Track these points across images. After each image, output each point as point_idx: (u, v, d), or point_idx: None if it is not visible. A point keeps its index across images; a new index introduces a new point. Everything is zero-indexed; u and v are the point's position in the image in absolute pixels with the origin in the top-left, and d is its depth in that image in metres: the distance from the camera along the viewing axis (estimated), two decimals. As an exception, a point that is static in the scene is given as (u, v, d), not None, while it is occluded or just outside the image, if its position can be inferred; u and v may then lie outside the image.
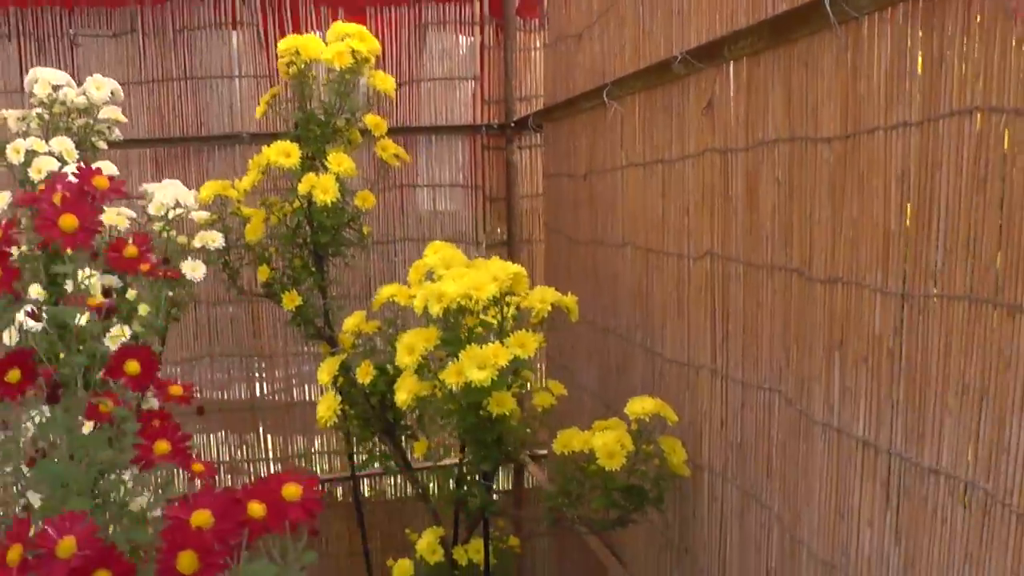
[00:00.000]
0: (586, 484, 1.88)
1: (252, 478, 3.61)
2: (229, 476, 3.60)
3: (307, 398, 3.60)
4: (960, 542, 1.13)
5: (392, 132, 3.36)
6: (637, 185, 2.22)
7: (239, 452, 3.60)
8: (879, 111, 1.27)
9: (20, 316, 1.40)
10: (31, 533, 0.82)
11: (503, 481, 3.59)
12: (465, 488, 2.24)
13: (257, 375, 3.55)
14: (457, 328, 1.85)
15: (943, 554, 1.17)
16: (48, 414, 1.12)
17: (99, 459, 1.06)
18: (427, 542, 2.27)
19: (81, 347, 2.23)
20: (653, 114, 2.10)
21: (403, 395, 1.92)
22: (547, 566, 3.60)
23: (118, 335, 2.26)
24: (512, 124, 3.35)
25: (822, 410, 1.44)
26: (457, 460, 2.30)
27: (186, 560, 0.80)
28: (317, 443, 3.68)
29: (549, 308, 1.92)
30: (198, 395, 3.48)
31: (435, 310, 1.79)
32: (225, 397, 3.57)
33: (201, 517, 0.83)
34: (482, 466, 2.00)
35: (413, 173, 3.44)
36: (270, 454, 3.63)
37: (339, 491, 3.66)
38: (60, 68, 2.47)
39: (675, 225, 2.00)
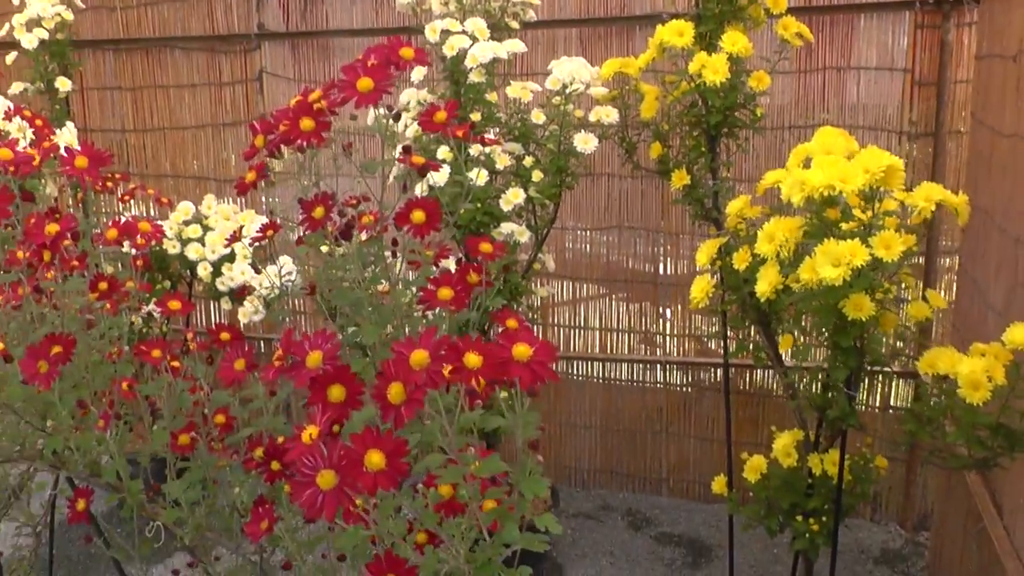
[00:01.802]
0: (947, 414, 1.70)
1: (648, 350, 3.75)
2: (626, 345, 3.78)
3: (709, 279, 3.61)
4: None
5: (814, 11, 3.15)
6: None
7: (641, 324, 3.75)
8: None
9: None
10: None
11: (877, 395, 3.35)
12: (828, 395, 2.15)
13: (661, 251, 3.64)
14: (820, 220, 1.74)
15: None
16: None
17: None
18: (783, 444, 2.22)
19: (479, 204, 2.44)
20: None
21: (763, 285, 1.86)
22: (913, 497, 3.33)
23: (513, 197, 2.43)
24: (950, -2, 2.96)
25: None
26: (825, 363, 2.20)
27: (395, 391, 0.90)
28: (715, 324, 3.70)
29: (933, 208, 1.72)
30: (606, 266, 3.71)
31: (796, 199, 1.69)
32: (632, 270, 3.70)
33: (418, 356, 0.91)
34: (835, 373, 1.89)
35: (836, 54, 3.20)
36: (668, 328, 3.73)
37: (716, 374, 3.67)
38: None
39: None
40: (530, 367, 0.89)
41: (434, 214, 1.21)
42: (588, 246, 3.72)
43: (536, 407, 1.01)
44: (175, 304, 1.46)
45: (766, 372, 3.53)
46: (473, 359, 0.89)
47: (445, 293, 1.14)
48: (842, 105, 3.32)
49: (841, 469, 2.14)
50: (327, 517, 0.90)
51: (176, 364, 1.40)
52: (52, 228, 1.45)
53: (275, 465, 1.27)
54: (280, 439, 1.27)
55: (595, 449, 3.88)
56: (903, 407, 3.24)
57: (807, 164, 1.91)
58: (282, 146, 1.26)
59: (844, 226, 1.74)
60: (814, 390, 2.22)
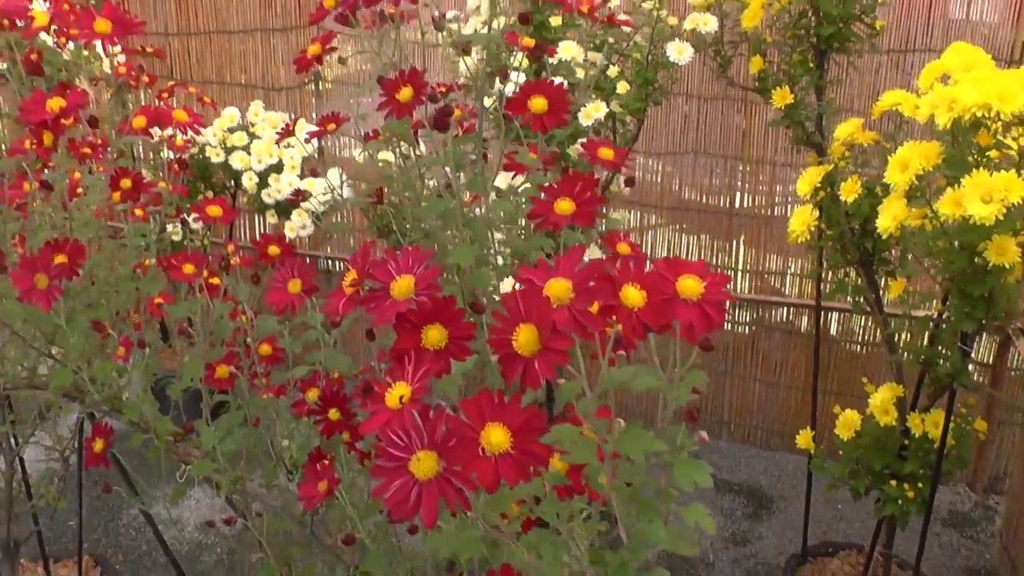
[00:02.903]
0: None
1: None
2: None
3: (787, 214, 3.35)
4: None
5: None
6: None
7: (711, 258, 3.50)
8: None
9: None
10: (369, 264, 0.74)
11: (984, 351, 3.08)
12: (938, 348, 1.91)
13: (740, 182, 3.37)
14: (966, 147, 1.48)
15: None
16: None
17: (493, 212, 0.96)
18: (881, 400, 1.99)
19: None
20: None
21: (887, 220, 1.61)
22: (986, 458, 3.10)
23: (594, 111, 2.20)
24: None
25: None
26: (935, 312, 1.95)
27: (525, 336, 0.65)
28: (792, 264, 3.45)
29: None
30: (679, 194, 3.45)
31: (942, 120, 1.43)
32: (705, 201, 3.45)
33: (558, 288, 0.65)
34: (962, 325, 1.65)
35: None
36: (741, 264, 3.48)
37: (804, 320, 3.43)
38: None
39: None
40: (702, 308, 0.65)
41: (559, 102, 0.95)
42: (659, 172, 3.45)
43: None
44: (215, 210, 1.24)
45: (862, 318, 3.27)
46: (634, 295, 0.65)
47: (565, 206, 0.90)
48: (947, 27, 3.00)
49: (945, 431, 1.91)
50: (425, 521, 0.65)
51: (215, 281, 1.20)
52: (55, 103, 1.17)
53: (334, 413, 1.06)
54: (336, 376, 1.07)
55: (654, 388, 3.68)
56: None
57: (944, 82, 1.65)
58: (357, 10, 1.01)
59: (993, 155, 1.49)
60: (920, 342, 1.98)
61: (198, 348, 1.16)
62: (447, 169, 0.96)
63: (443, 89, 0.97)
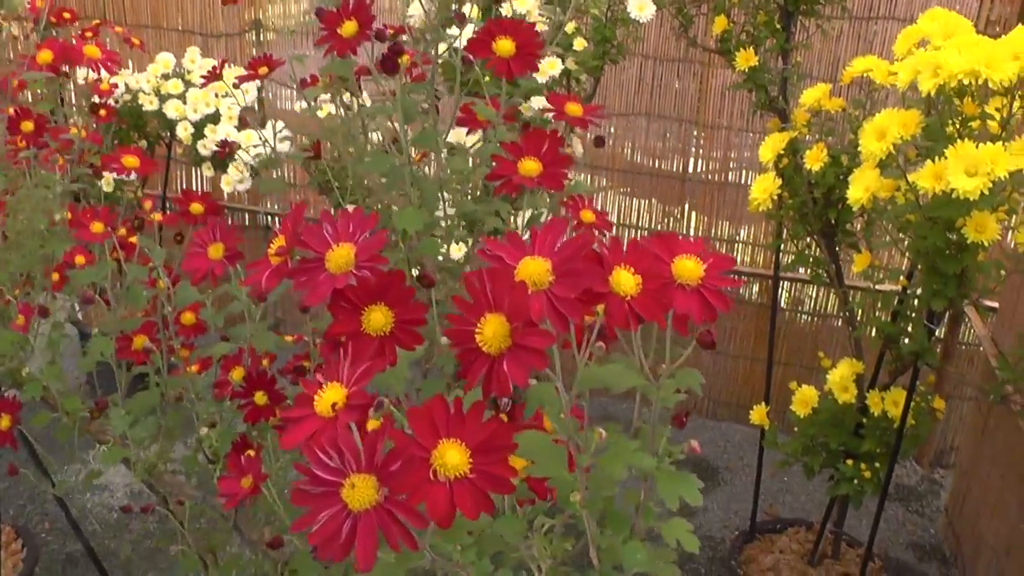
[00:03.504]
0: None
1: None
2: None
3: (741, 180, 3.28)
4: None
5: None
6: None
7: (661, 224, 3.42)
8: None
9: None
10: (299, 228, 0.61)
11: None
12: (902, 325, 1.85)
13: (693, 147, 3.28)
14: (947, 116, 1.40)
15: None
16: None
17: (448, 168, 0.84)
18: (841, 376, 1.93)
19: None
20: None
21: (858, 191, 1.53)
22: (967, 442, 3.08)
23: (548, 68, 2.08)
24: None
25: None
26: (899, 287, 1.89)
27: (492, 329, 0.52)
28: (743, 232, 3.38)
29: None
30: (630, 157, 3.35)
31: (926, 86, 1.35)
32: (657, 166, 3.36)
33: (535, 268, 0.53)
34: (932, 303, 1.58)
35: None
36: (692, 232, 3.40)
37: (755, 289, 3.37)
38: None
39: None
40: (701, 295, 0.55)
41: (529, 44, 0.83)
42: (612, 134, 3.35)
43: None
44: (131, 160, 1.09)
45: (818, 289, 3.21)
46: (626, 280, 0.53)
47: (530, 166, 0.78)
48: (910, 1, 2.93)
49: (906, 411, 1.86)
50: (360, 563, 0.51)
51: (134, 241, 1.06)
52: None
53: (260, 397, 0.94)
54: (265, 359, 0.95)
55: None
56: (973, 343, 2.94)
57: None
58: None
59: (974, 125, 1.41)
60: (884, 318, 1.92)
61: (110, 317, 1.03)
62: (394, 122, 0.83)
63: (392, 30, 0.84)
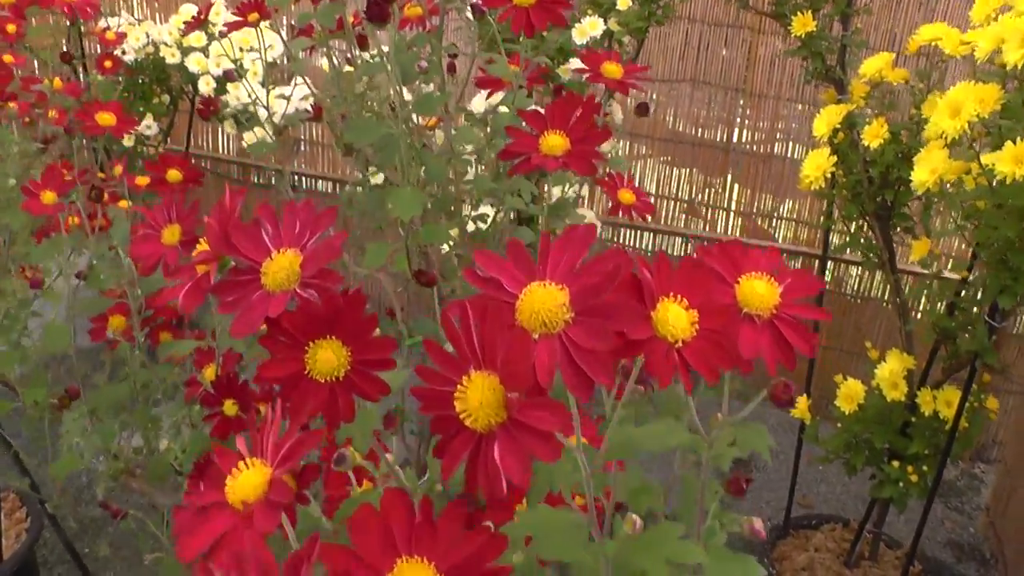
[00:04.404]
0: None
1: (708, 226, 3.28)
2: (683, 217, 3.30)
3: (787, 154, 3.11)
4: None
5: None
6: None
7: (701, 195, 3.26)
8: None
9: None
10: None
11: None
12: (960, 320, 1.70)
13: (739, 117, 3.11)
14: (1030, 93, 1.24)
15: None
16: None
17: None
18: (890, 371, 1.78)
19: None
20: None
21: (924, 173, 1.38)
22: (1013, 439, 2.92)
23: (590, 28, 1.94)
24: None
25: None
26: (960, 277, 1.74)
27: (478, 394, 0.36)
28: (786, 207, 3.22)
29: None
30: (672, 125, 3.18)
31: (1013, 57, 1.19)
32: (700, 134, 3.19)
33: (542, 301, 0.37)
34: (999, 298, 1.43)
35: None
36: (733, 205, 3.25)
37: (796, 264, 3.21)
38: None
39: None
40: (774, 330, 0.40)
41: None
42: (654, 101, 3.18)
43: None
44: (106, 118, 0.96)
45: (866, 272, 3.04)
46: (677, 319, 0.38)
47: (555, 142, 0.63)
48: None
49: (959, 413, 1.71)
50: None
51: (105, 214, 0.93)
52: None
53: (230, 407, 0.80)
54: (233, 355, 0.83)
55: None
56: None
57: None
58: None
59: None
60: (939, 310, 1.77)
61: (74, 301, 0.91)
62: (392, 81, 0.69)
63: None
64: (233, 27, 0.89)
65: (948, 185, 1.44)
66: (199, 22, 0.97)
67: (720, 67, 3.03)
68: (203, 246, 0.50)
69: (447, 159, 0.73)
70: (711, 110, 3.13)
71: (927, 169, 1.39)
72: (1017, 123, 1.26)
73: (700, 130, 3.18)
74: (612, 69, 0.75)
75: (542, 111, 0.64)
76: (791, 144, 3.10)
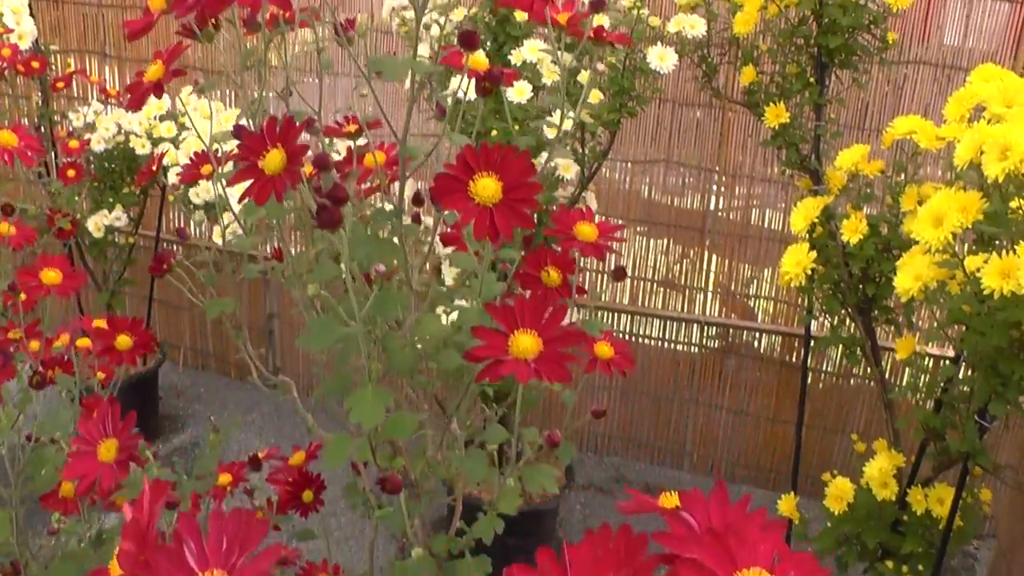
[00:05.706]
0: None
1: (686, 306, 3.24)
2: (662, 290, 3.26)
3: (764, 225, 3.08)
4: None
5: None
6: None
7: (678, 266, 3.23)
8: None
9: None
10: None
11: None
12: (947, 417, 1.66)
13: (714, 190, 3.09)
14: (1012, 198, 1.22)
15: None
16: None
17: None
18: (879, 469, 1.73)
19: (517, 125, 1.92)
20: None
21: (907, 281, 1.35)
22: (1006, 521, 2.87)
23: (557, 120, 1.91)
24: None
25: None
26: (946, 378, 1.70)
27: None
28: (766, 279, 3.18)
29: None
30: (649, 197, 3.16)
31: (993, 171, 1.16)
32: (676, 204, 3.17)
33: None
34: (992, 407, 1.39)
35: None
36: (710, 278, 3.21)
37: (776, 342, 3.16)
38: None
39: None
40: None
41: (521, 186, 0.61)
42: (627, 181, 3.17)
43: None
44: (51, 275, 0.88)
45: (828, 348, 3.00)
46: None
47: (526, 344, 0.54)
48: (941, 43, 2.74)
49: (953, 512, 1.66)
50: None
51: None
52: None
53: None
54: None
55: (613, 413, 3.39)
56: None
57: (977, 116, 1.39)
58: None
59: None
60: (927, 407, 1.73)
61: None
62: (344, 268, 0.62)
63: (348, 127, 0.65)
64: (184, 179, 0.85)
65: (931, 288, 1.41)
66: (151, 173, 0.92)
67: (693, 147, 3.02)
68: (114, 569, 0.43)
69: (412, 351, 0.66)
70: (687, 183, 3.11)
71: (910, 276, 1.36)
72: (1001, 230, 1.23)
73: (675, 201, 3.16)
74: (586, 231, 0.70)
75: (510, 306, 0.59)
76: (767, 213, 3.08)
